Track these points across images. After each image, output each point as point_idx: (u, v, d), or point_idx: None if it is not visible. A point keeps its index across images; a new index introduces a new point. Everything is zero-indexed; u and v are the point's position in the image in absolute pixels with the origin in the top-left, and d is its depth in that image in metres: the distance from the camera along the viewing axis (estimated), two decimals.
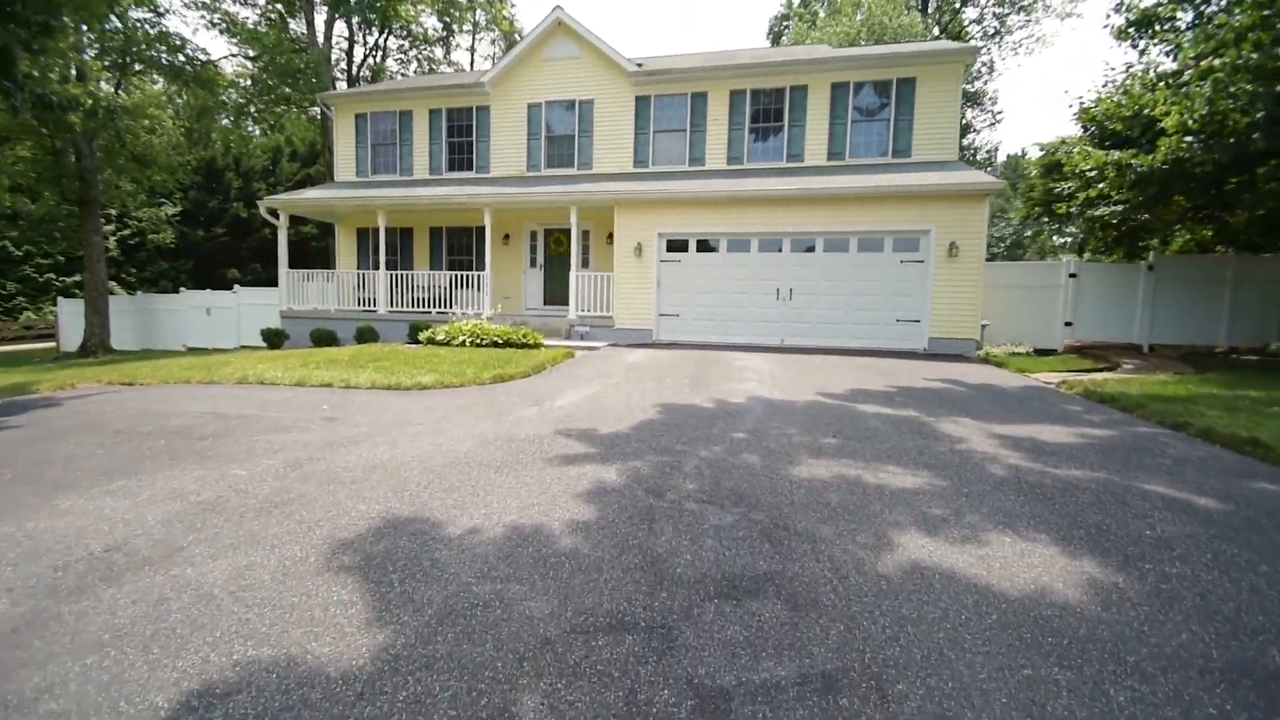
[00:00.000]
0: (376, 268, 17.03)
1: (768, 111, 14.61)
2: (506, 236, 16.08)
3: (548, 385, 7.77)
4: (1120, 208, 11.69)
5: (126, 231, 29.46)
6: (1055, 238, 35.65)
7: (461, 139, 16.39)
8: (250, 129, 34.04)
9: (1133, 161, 10.64)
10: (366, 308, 15.28)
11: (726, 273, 13.07)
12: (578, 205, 13.56)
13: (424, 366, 8.90)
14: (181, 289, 22.06)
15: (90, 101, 17.47)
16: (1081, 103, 14.14)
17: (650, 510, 3.56)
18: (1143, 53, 12.80)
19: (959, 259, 11.93)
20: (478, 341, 11.29)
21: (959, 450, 4.91)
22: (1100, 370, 10.40)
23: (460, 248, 16.52)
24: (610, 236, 14.04)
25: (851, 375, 8.75)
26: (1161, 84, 11.56)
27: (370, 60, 30.73)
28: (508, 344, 11.28)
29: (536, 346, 11.41)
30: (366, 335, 13.91)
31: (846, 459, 4.62)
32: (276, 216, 15.47)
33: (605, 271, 14.33)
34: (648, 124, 15.14)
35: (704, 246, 13.23)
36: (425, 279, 15.18)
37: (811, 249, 12.75)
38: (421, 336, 11.88)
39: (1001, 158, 39.84)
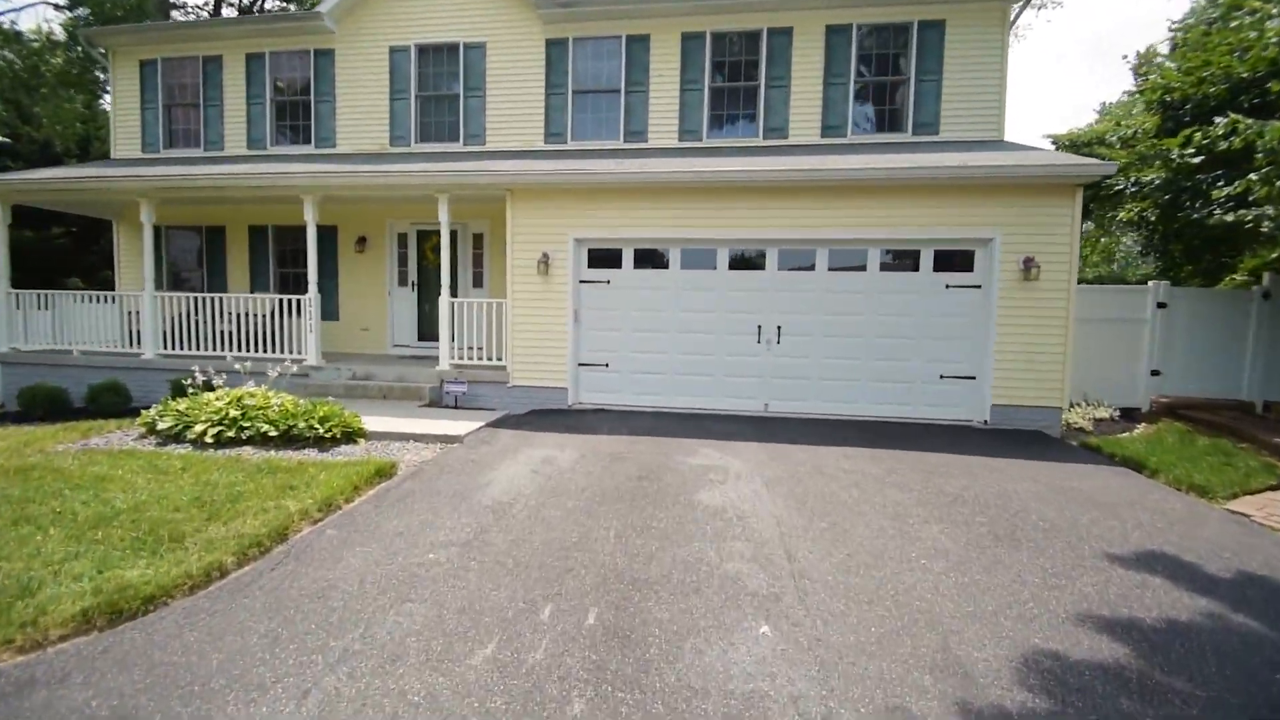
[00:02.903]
0: (164, 285, 11.46)
1: (737, 66, 9.87)
2: (362, 240, 10.78)
3: (197, 675, 2.68)
4: (1273, 210, 7.50)
5: None
6: None
7: (295, 98, 10.97)
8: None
9: None
10: (134, 348, 9.71)
11: (681, 300, 8.23)
12: (450, 193, 8.44)
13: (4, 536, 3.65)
14: None
15: None
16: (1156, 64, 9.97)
17: None
18: None
19: (1038, 283, 7.48)
20: (233, 434, 6.03)
21: None
22: None
23: (298, 257, 11.10)
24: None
25: (956, 538, 3.99)
26: None
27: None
28: (287, 437, 6.07)
29: (347, 439, 6.24)
30: (104, 396, 8.36)
31: None
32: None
33: (501, 298, 9.31)
34: (564, 80, 10.14)
35: (647, 260, 8.35)
36: (234, 304, 9.67)
37: (810, 266, 8.05)
38: (141, 420, 6.49)
39: None
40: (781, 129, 9.72)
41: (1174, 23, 12.01)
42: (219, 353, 9.31)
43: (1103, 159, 12.62)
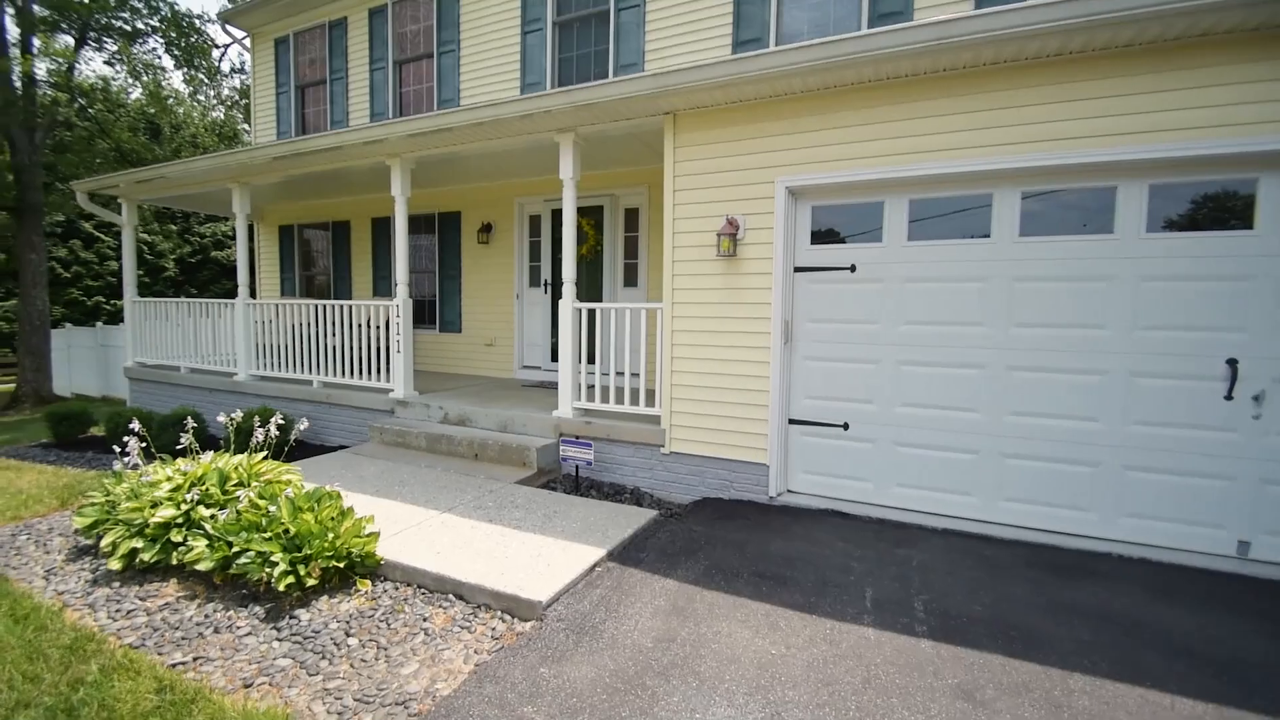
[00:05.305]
0: (297, 290, 9.88)
1: None
2: (486, 228, 8.01)
3: None
4: None
5: (187, 249, 25.86)
6: None
7: (417, 56, 8.62)
8: None
9: None
10: (234, 367, 7.96)
11: (1021, 301, 3.80)
12: (575, 129, 5.06)
13: None
14: None
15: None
16: None
17: None
18: None
19: None
20: (154, 555, 3.21)
21: None
22: None
23: (424, 252, 8.75)
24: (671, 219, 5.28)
25: None
26: None
27: None
28: (228, 574, 3.10)
29: (340, 580, 3.08)
30: (168, 433, 6.45)
31: None
32: (117, 209, 8.74)
33: (658, 301, 5.87)
34: None
35: (936, 222, 4.15)
36: (335, 314, 7.32)
37: None
38: (84, 512, 4.06)
39: None
40: None
41: None
42: (307, 376, 7.11)
43: None
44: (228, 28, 10.19)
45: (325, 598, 3.04)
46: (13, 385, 14.76)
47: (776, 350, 4.35)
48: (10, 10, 13.29)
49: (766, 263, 4.35)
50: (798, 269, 4.40)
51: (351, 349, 6.91)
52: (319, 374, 6.98)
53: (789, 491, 4.50)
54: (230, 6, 9.84)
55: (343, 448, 6.35)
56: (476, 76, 7.99)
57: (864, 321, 4.23)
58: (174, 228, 25.08)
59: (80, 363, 15.25)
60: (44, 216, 14.96)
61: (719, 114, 4.50)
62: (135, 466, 3.73)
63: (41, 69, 14.05)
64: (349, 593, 3.10)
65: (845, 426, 4.31)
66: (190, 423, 4.17)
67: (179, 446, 4.16)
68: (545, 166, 6.53)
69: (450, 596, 3.06)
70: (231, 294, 7.55)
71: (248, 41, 10.16)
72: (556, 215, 7.52)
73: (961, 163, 3.80)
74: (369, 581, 3.18)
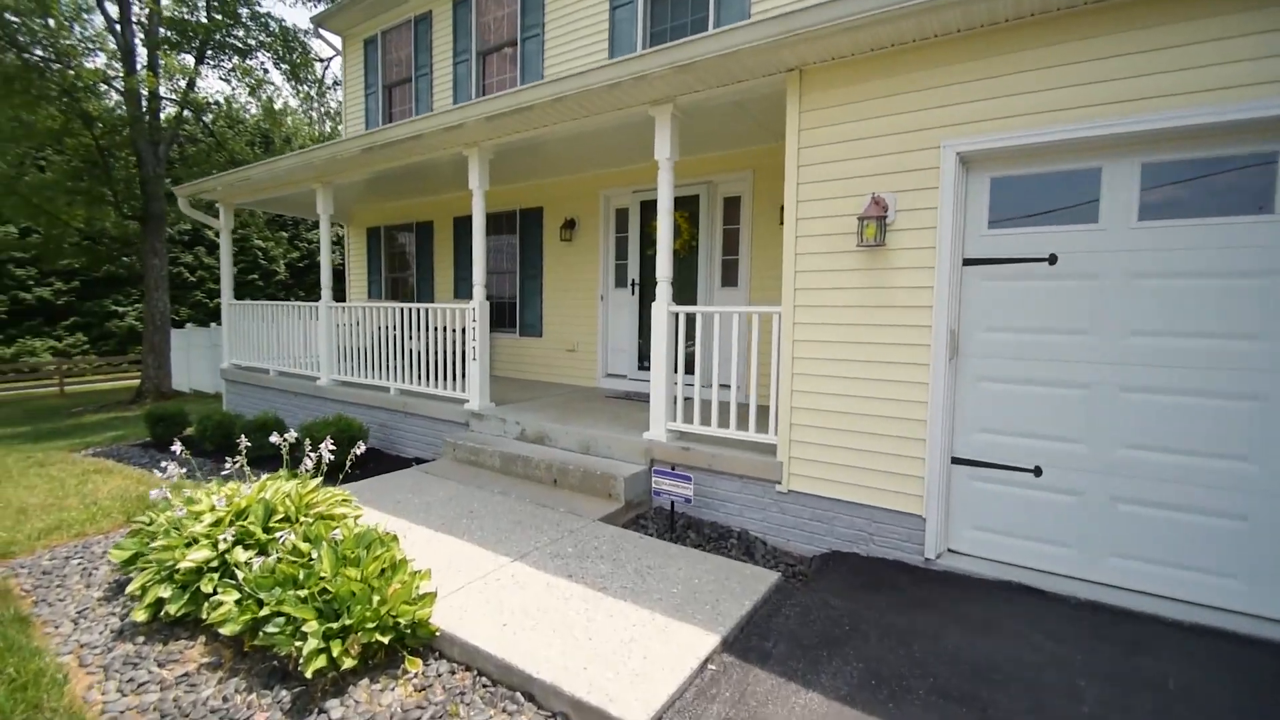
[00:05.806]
0: (384, 293, 9.74)
1: None
2: (570, 224, 7.39)
3: None
4: None
5: (295, 254, 27.51)
6: None
7: (500, 44, 8.16)
8: None
9: None
10: (316, 370, 7.80)
11: None
12: (674, 99, 4.25)
13: None
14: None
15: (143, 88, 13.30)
16: None
17: None
18: None
19: None
20: (182, 608, 2.71)
21: None
22: None
23: (504, 252, 8.27)
24: (785, 205, 4.32)
25: None
26: None
27: None
28: (257, 638, 2.51)
29: (387, 658, 2.39)
30: (254, 436, 6.25)
31: None
32: (215, 213, 8.90)
33: (770, 304, 4.98)
34: None
35: (1170, 202, 2.97)
36: (412, 318, 6.87)
37: None
38: (125, 543, 3.68)
39: None
40: None
41: None
42: (384, 382, 6.75)
43: None
44: (321, 32, 10.24)
45: (365, 682, 2.39)
46: (138, 380, 15.92)
47: (938, 367, 3.33)
48: (140, 35, 14.26)
49: (926, 253, 3.34)
50: (969, 261, 3.35)
51: (426, 355, 6.46)
52: (396, 381, 6.60)
53: (950, 552, 3.46)
54: (323, 10, 9.82)
55: (417, 460, 5.94)
56: (561, 60, 7.39)
57: (1067, 332, 3.13)
58: (284, 234, 26.79)
59: (198, 360, 16.20)
60: (167, 225, 15.95)
61: (861, 65, 3.54)
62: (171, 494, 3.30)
63: (164, 86, 14.98)
64: (395, 675, 2.44)
65: (1037, 472, 3.23)
66: (243, 441, 3.74)
67: (230, 467, 3.71)
68: (634, 152, 5.80)
69: (518, 695, 2.32)
70: (336, 297, 7.33)
71: (340, 45, 10.16)
72: (645, 208, 6.77)
73: (1228, 108, 2.64)
74: (419, 660, 2.51)
